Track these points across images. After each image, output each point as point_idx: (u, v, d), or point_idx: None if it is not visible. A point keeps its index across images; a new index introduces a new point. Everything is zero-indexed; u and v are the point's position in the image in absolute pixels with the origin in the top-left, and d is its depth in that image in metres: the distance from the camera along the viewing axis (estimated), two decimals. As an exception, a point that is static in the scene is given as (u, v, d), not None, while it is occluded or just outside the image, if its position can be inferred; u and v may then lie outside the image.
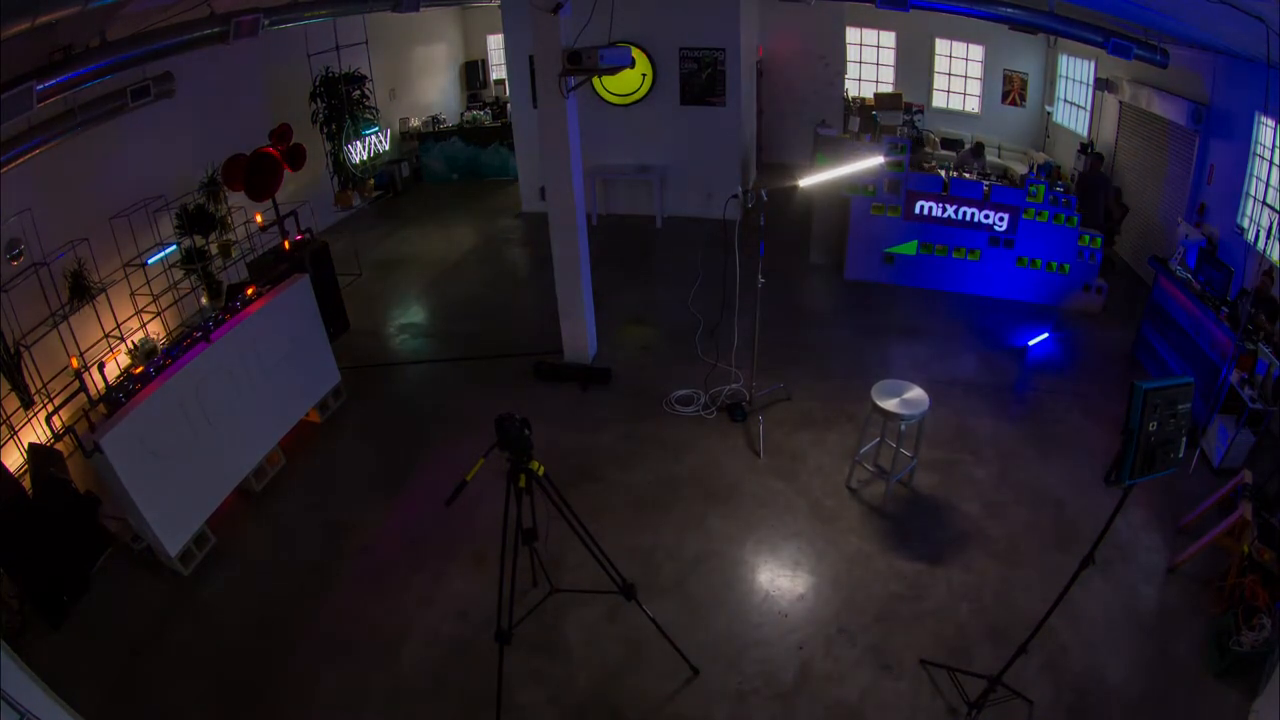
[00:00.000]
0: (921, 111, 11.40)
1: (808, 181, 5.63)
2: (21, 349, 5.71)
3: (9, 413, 5.61)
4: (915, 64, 11.88)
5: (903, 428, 4.76)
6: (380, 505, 5.29)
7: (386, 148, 10.17)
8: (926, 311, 7.57)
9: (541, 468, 3.40)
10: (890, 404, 4.75)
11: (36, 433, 5.81)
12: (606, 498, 5.19)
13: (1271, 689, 3.43)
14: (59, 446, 5.53)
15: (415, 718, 3.86)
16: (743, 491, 5.24)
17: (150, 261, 6.80)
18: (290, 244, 7.06)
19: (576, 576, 4.37)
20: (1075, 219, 7.24)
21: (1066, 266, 7.44)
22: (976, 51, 11.29)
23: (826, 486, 5.25)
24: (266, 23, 5.27)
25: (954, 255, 7.79)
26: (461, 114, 12.80)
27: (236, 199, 7.52)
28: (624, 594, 3.83)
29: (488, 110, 12.68)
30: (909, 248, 7.93)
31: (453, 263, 9.28)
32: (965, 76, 11.64)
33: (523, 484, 3.39)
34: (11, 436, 5.63)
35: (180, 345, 5.08)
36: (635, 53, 8.89)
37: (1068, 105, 10.17)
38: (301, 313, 5.99)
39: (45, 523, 4.57)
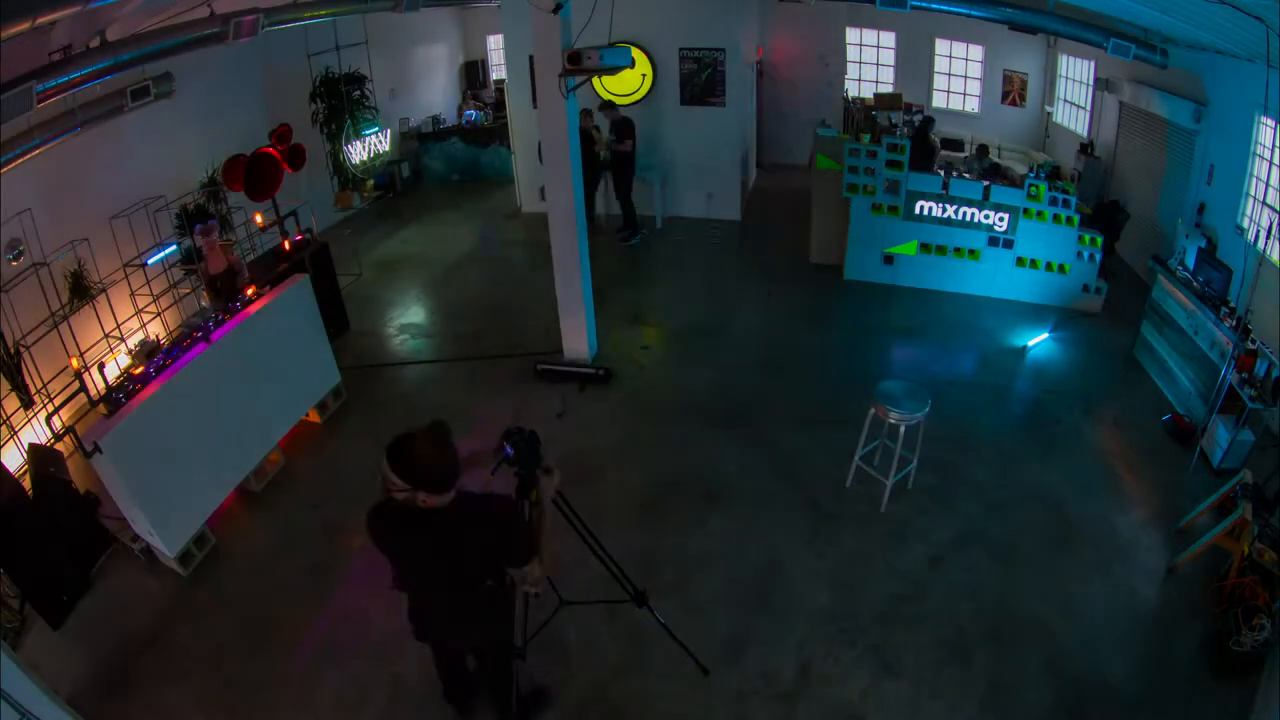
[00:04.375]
0: (921, 111, 11.39)
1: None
2: (21, 349, 5.71)
3: (9, 413, 5.61)
4: (915, 64, 11.88)
5: (902, 428, 4.76)
6: (380, 505, 5.28)
7: (387, 148, 10.17)
8: (926, 311, 7.57)
9: None
10: (890, 404, 4.75)
11: (36, 433, 5.82)
12: (606, 498, 5.19)
13: (1271, 689, 3.43)
14: (59, 446, 5.53)
15: (415, 718, 3.86)
16: (743, 491, 5.24)
17: (150, 262, 6.80)
18: (290, 244, 7.07)
19: (577, 576, 4.36)
20: (1075, 219, 7.24)
21: (1066, 266, 7.44)
22: (976, 51, 11.29)
23: (826, 486, 5.25)
24: (266, 23, 5.26)
25: (954, 255, 7.79)
26: (461, 114, 12.79)
27: (236, 199, 7.52)
28: (635, 601, 3.74)
29: (486, 110, 12.66)
30: (909, 248, 7.93)
31: (453, 263, 9.27)
32: (965, 76, 11.64)
33: (534, 499, 3.21)
34: (11, 436, 5.63)
35: (180, 345, 5.08)
36: (635, 53, 8.88)
37: (1068, 105, 10.17)
38: (301, 313, 5.99)
39: (45, 523, 4.57)
